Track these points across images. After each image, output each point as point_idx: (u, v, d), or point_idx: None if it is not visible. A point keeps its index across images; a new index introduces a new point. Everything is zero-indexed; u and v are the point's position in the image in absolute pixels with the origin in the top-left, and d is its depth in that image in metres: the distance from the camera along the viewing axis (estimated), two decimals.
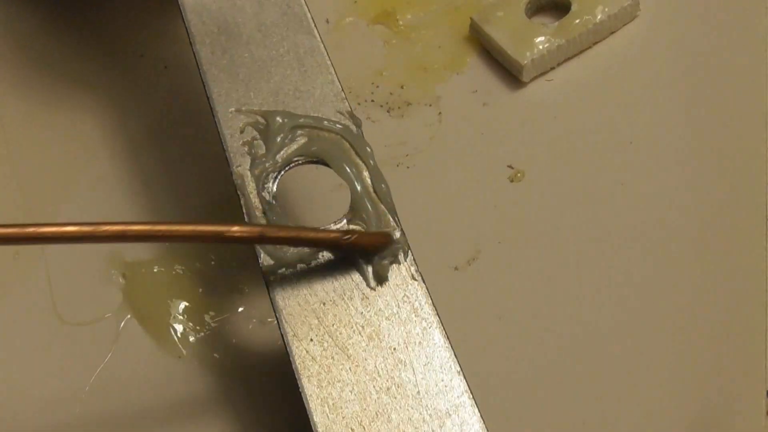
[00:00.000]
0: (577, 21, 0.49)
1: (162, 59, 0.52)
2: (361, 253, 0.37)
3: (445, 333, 0.36)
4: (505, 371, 0.42)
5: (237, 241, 0.35)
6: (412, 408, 0.34)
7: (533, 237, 0.45)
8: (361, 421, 0.34)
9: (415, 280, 0.37)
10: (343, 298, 0.36)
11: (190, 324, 0.44)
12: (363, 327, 0.36)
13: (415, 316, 0.36)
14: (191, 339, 0.44)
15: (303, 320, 0.36)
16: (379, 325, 0.36)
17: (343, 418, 0.34)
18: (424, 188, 0.47)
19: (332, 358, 0.35)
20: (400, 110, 0.50)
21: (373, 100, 0.50)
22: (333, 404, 0.34)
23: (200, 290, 0.45)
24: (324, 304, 0.36)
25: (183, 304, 0.44)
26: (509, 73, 0.50)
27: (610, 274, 0.44)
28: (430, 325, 0.36)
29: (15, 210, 0.48)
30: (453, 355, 0.35)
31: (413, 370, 0.35)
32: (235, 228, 0.35)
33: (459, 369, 0.35)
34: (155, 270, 0.45)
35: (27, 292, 0.45)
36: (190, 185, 0.48)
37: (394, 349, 0.35)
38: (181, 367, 0.43)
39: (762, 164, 0.45)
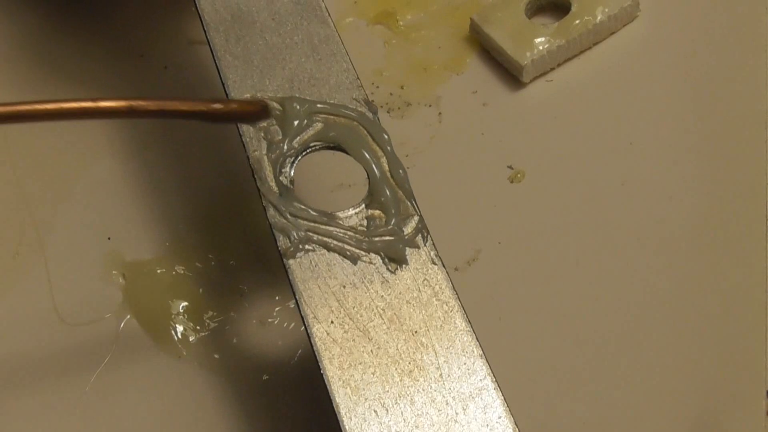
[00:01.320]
0: (577, 21, 0.49)
1: (162, 59, 0.52)
2: (237, 121, 0.37)
3: (467, 317, 0.35)
4: (505, 372, 0.42)
5: (106, 115, 0.34)
6: (434, 391, 0.34)
7: (533, 238, 0.45)
8: (384, 402, 0.34)
9: (435, 264, 0.37)
10: (363, 281, 0.36)
11: (190, 324, 0.44)
12: (384, 310, 0.36)
13: (436, 299, 0.36)
14: (191, 339, 0.44)
15: (323, 303, 0.36)
16: (400, 309, 0.36)
17: (366, 399, 0.34)
18: (424, 189, 0.46)
19: (353, 340, 0.35)
20: (400, 110, 0.50)
21: (373, 101, 0.50)
22: (355, 386, 0.34)
23: (200, 290, 0.45)
24: (344, 287, 0.36)
25: (183, 305, 0.44)
26: (509, 73, 0.50)
27: (610, 275, 0.44)
28: (451, 309, 0.36)
29: (15, 210, 0.48)
30: (475, 339, 0.35)
31: (435, 353, 0.35)
32: (103, 103, 0.33)
33: (481, 353, 0.35)
34: (155, 270, 0.45)
35: (27, 292, 0.45)
36: (191, 185, 0.48)
37: (416, 332, 0.35)
38: (181, 368, 0.43)
39: (762, 164, 0.45)
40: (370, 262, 0.37)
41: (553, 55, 0.49)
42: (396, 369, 0.35)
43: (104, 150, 0.49)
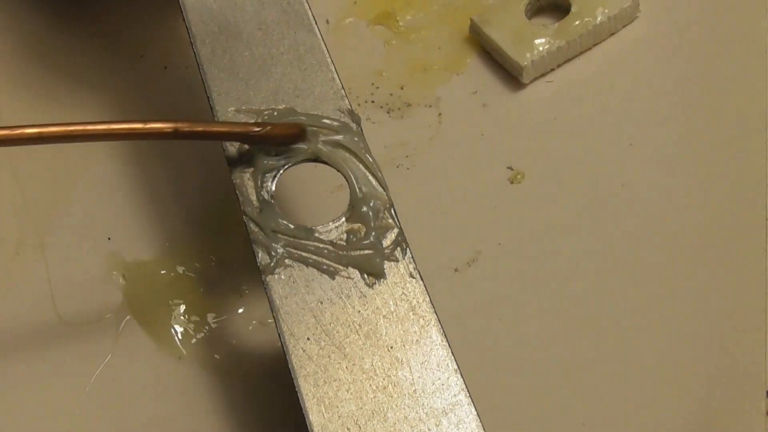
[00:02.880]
0: (577, 22, 0.49)
1: (162, 59, 0.52)
2: (275, 144, 0.38)
3: (443, 331, 0.36)
4: (504, 373, 0.42)
5: (152, 136, 0.36)
6: (408, 407, 0.34)
7: (533, 239, 0.45)
8: (357, 420, 0.34)
9: (413, 278, 0.37)
10: (340, 297, 0.36)
11: (191, 325, 0.44)
12: (360, 325, 0.36)
13: (413, 314, 0.36)
14: (191, 340, 0.43)
15: (300, 319, 0.36)
16: (377, 324, 0.36)
17: (339, 417, 0.34)
18: (424, 189, 0.47)
19: (329, 357, 0.35)
20: (400, 111, 0.50)
21: (373, 101, 0.50)
22: (329, 403, 0.34)
23: (200, 291, 0.45)
24: (321, 302, 0.36)
25: (183, 305, 0.44)
26: (509, 74, 0.50)
27: (610, 276, 0.44)
28: (427, 323, 0.36)
29: (15, 210, 0.48)
30: (450, 353, 0.35)
31: (410, 368, 0.35)
32: (151, 125, 0.36)
33: (456, 367, 0.35)
34: (155, 271, 0.45)
35: (27, 292, 0.45)
36: (191, 185, 0.48)
37: (391, 347, 0.35)
38: (181, 368, 0.43)
39: (762, 165, 0.45)
40: (348, 277, 0.37)
41: (553, 56, 0.49)
42: (370, 385, 0.35)
43: (105, 150, 0.49)
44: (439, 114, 0.49)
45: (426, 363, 0.35)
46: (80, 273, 0.46)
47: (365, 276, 0.37)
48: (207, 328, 0.44)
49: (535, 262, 0.44)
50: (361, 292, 0.36)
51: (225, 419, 0.42)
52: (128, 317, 0.44)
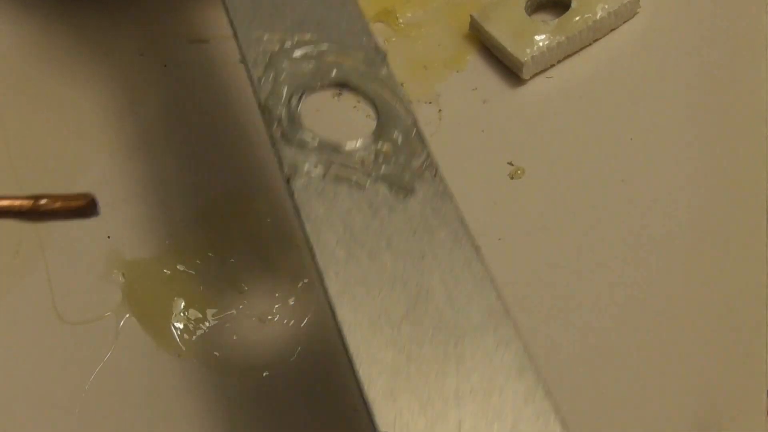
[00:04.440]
0: (577, 18, 0.49)
1: (162, 58, 0.52)
2: (64, 218, 0.36)
3: (475, 244, 0.35)
4: None
5: None
6: (442, 314, 0.33)
7: (533, 234, 0.45)
8: (389, 320, 0.33)
9: (445, 195, 0.36)
10: (370, 207, 0.35)
11: (190, 322, 0.44)
12: (391, 236, 0.35)
13: (446, 227, 0.35)
14: (191, 337, 0.43)
15: (328, 226, 0.35)
16: (407, 235, 0.35)
17: (369, 317, 0.33)
18: None
19: (358, 261, 0.34)
20: None
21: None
22: (359, 303, 0.33)
23: (200, 288, 0.45)
24: (350, 212, 0.35)
25: (182, 303, 0.44)
26: (509, 70, 0.50)
27: (610, 273, 0.43)
28: (461, 237, 0.35)
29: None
30: (483, 264, 0.34)
31: (442, 278, 0.34)
32: None
33: (491, 278, 0.34)
34: (155, 269, 0.45)
35: (27, 291, 0.45)
36: (191, 183, 0.48)
37: (423, 257, 0.34)
38: (180, 365, 0.43)
39: (763, 161, 0.45)
40: (377, 192, 0.36)
41: (553, 52, 0.49)
42: (403, 291, 0.33)
43: (104, 148, 0.49)
44: (440, 110, 0.49)
45: (459, 275, 0.34)
46: (80, 271, 0.46)
47: (395, 191, 0.36)
48: (206, 325, 0.44)
49: (535, 257, 0.44)
50: (390, 206, 0.35)
51: (225, 416, 0.41)
52: (128, 316, 0.44)
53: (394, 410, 0.32)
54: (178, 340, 0.43)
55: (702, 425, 0.40)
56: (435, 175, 0.36)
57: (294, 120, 0.37)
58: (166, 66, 0.52)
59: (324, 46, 0.39)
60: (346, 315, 0.33)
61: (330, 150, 0.36)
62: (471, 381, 0.32)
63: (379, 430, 0.31)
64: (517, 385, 0.32)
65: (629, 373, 0.41)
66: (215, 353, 0.43)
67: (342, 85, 0.38)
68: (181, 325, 0.44)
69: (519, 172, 0.47)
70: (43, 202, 0.34)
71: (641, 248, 0.44)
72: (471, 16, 0.51)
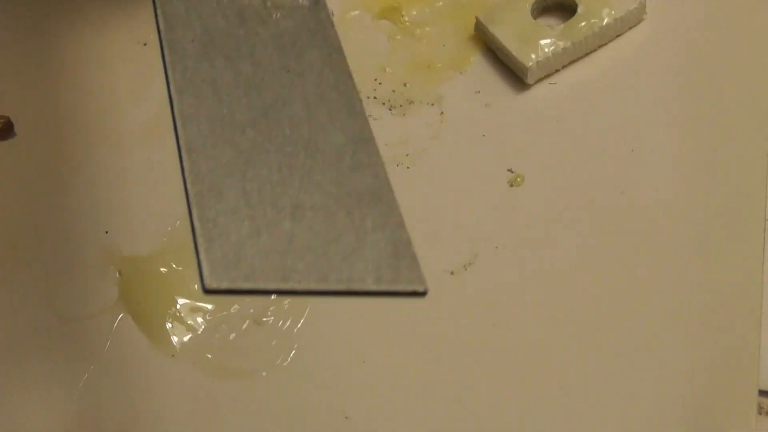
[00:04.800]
0: (583, 23, 0.49)
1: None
2: None
3: (348, 70, 0.33)
4: (500, 378, 0.42)
5: None
6: (296, 127, 0.31)
7: (531, 243, 0.45)
8: (234, 122, 0.31)
9: (328, 22, 0.35)
10: (239, 16, 0.34)
11: (184, 322, 0.44)
12: (255, 45, 0.33)
13: (318, 49, 0.34)
14: (185, 338, 0.44)
15: (186, 25, 0.34)
16: (275, 48, 0.33)
17: (212, 116, 0.32)
18: (423, 189, 0.47)
19: (212, 62, 0.33)
20: (402, 108, 0.49)
21: (375, 98, 0.50)
22: (203, 100, 0.32)
23: (195, 288, 0.45)
24: (214, 16, 0.34)
25: (177, 302, 0.44)
26: (513, 74, 0.49)
27: (607, 282, 0.43)
28: (333, 59, 0.34)
29: (15, 209, 0.48)
30: (355, 91, 0.33)
31: (303, 94, 0.32)
32: None
33: (360, 102, 0.32)
34: (151, 266, 0.45)
35: (23, 286, 0.45)
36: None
37: (287, 71, 0.33)
38: (174, 366, 0.43)
39: (763, 176, 0.45)
40: (251, 2, 0.34)
41: (558, 57, 0.49)
42: (258, 98, 0.32)
43: (102, 143, 0.49)
44: (441, 113, 0.49)
45: (326, 96, 0.32)
46: (77, 267, 0.46)
47: (270, 5, 0.35)
48: (201, 326, 0.44)
49: (532, 266, 0.44)
50: (263, 19, 0.34)
51: (218, 418, 0.42)
52: (123, 314, 0.44)
53: (215, 209, 0.30)
54: (172, 340, 0.43)
55: (695, 423, 0.40)
56: (319, 4, 0.35)
57: None
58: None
59: None
60: (185, 109, 0.32)
61: None
62: (313, 198, 0.30)
63: (196, 225, 0.29)
64: (369, 209, 0.30)
65: (624, 373, 0.41)
66: (208, 355, 0.43)
67: None
68: (175, 325, 0.44)
69: (519, 179, 0.46)
70: None
71: (637, 259, 0.44)
72: (476, 17, 0.50)
